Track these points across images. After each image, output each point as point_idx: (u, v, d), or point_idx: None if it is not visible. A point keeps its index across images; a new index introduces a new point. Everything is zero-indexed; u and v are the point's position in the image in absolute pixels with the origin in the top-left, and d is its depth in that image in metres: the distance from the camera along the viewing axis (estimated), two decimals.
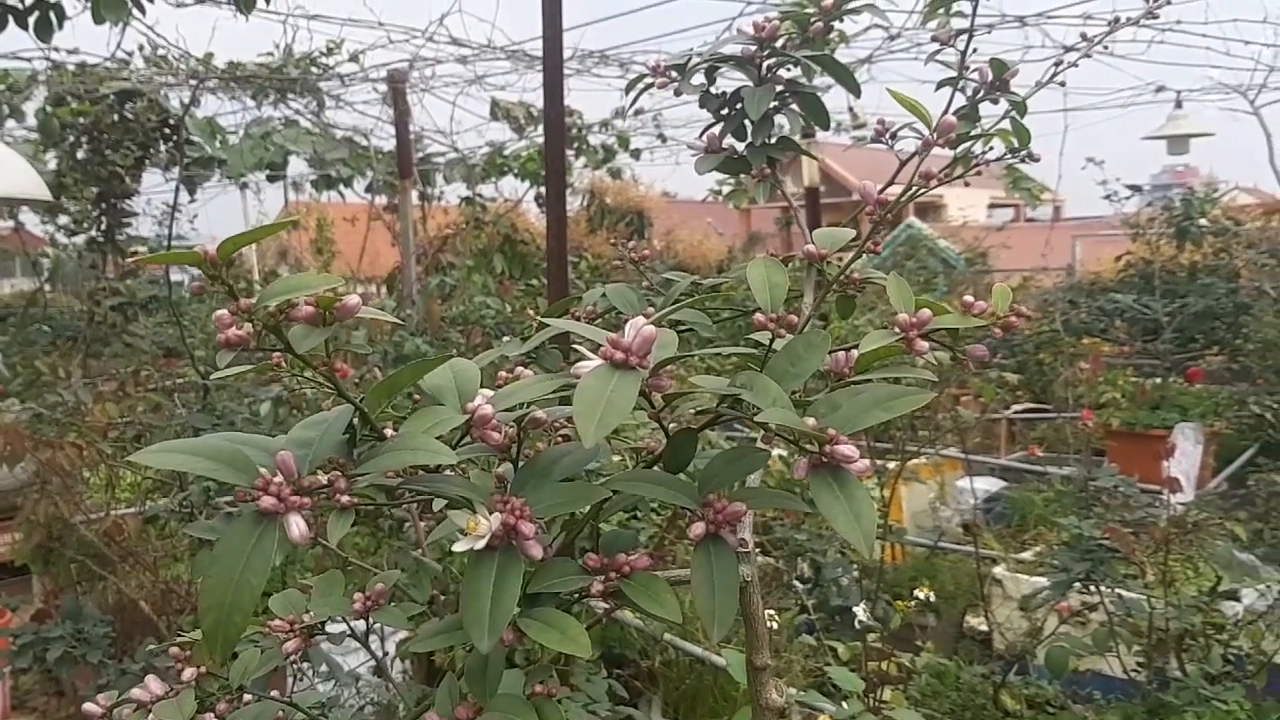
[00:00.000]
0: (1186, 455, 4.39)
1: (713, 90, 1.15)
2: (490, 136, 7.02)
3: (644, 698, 3.19)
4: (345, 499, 0.69)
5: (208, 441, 0.56)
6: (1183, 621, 2.73)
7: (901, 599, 4.06)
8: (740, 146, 1.13)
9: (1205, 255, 6.47)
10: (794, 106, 1.11)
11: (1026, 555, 3.96)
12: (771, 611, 2.25)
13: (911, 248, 11.44)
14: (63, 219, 8.48)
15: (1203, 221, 5.90)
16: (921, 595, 2.17)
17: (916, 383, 0.68)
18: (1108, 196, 5.68)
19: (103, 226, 8.29)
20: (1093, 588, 2.68)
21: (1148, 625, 2.62)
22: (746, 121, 1.11)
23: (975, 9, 0.95)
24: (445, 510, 0.69)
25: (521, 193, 7.43)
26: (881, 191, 0.84)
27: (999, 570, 3.86)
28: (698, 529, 0.64)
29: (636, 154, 7.18)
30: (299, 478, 0.55)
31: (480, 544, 0.59)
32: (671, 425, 0.70)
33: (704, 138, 1.15)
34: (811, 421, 0.62)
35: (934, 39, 0.98)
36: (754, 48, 1.09)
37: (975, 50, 1.10)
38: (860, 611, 1.92)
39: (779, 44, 1.12)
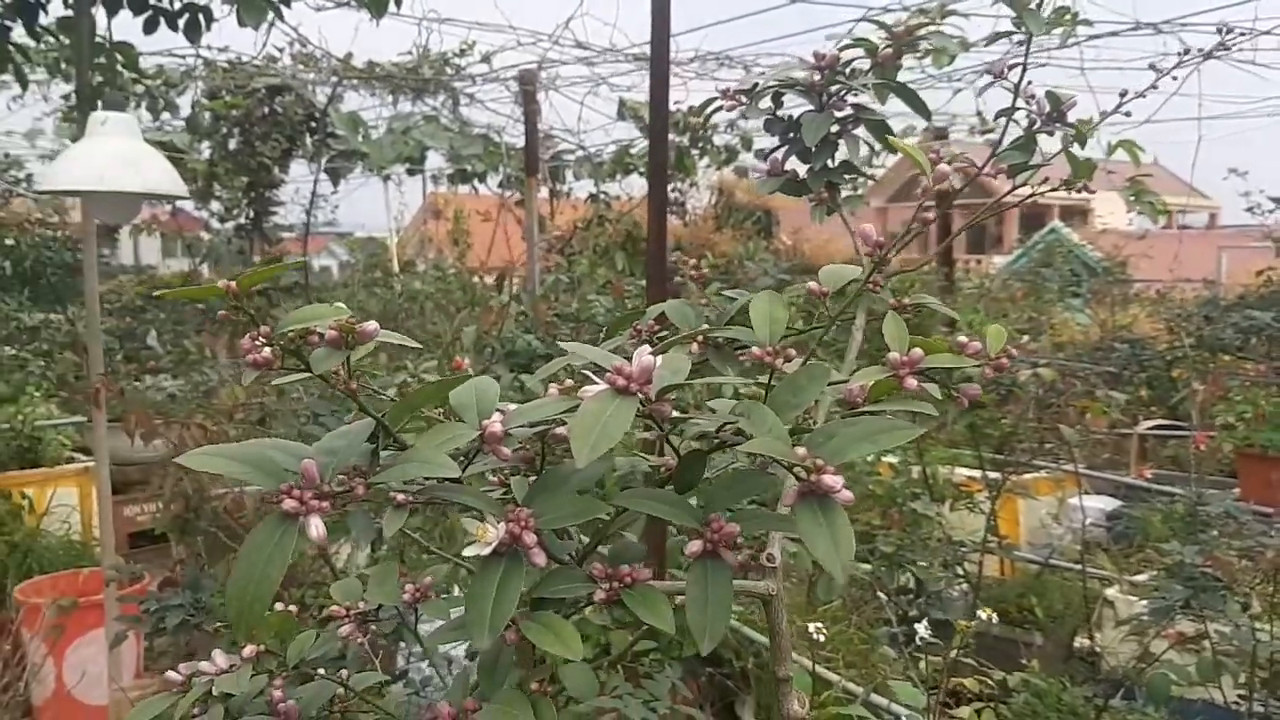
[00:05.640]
0: None
1: (779, 114, 1.18)
2: (616, 135, 7.14)
3: (739, 698, 3.22)
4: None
5: (245, 449, 0.63)
6: None
7: (1009, 614, 4.00)
8: (803, 170, 1.16)
9: None
10: (856, 132, 1.13)
11: (1141, 577, 3.85)
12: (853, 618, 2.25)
13: (1049, 253, 11.11)
14: (215, 205, 8.92)
15: None
16: (984, 615, 2.14)
17: (918, 418, 0.71)
18: (1250, 209, 5.45)
19: (251, 214, 8.72)
20: (1198, 616, 2.61)
21: (1251, 656, 2.53)
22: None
23: (1028, 49, 0.96)
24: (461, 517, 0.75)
25: (645, 191, 7.51)
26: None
27: (1111, 591, 3.76)
28: (694, 547, 0.68)
29: (763, 154, 7.17)
30: (321, 483, 0.61)
31: (487, 550, 0.65)
32: (682, 446, 0.75)
33: (768, 160, 1.19)
34: (802, 451, 0.65)
35: (988, 71, 0.99)
36: (816, 75, 1.12)
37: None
38: (922, 629, 1.91)
39: (848, 70, 1.15)
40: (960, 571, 3.74)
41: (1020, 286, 8.94)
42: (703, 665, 3.11)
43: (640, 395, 0.65)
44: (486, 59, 5.77)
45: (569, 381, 0.96)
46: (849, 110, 1.14)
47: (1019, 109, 1.00)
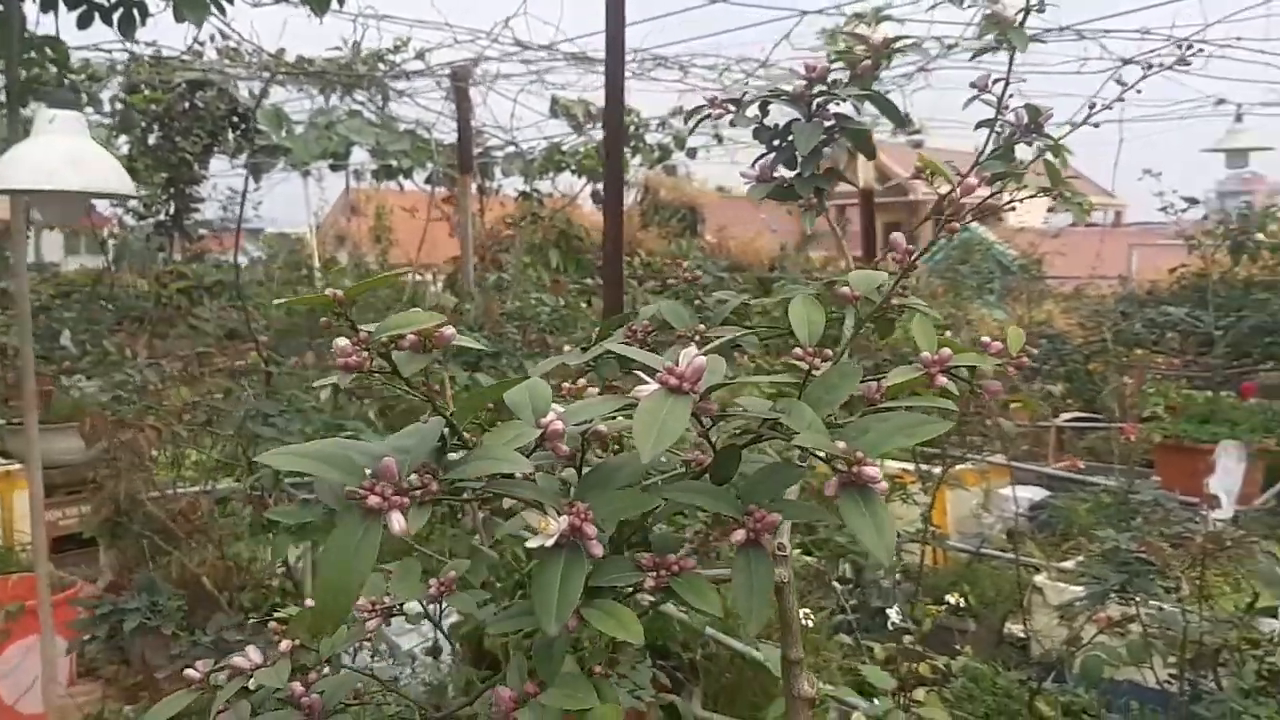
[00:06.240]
0: (1229, 472, 4.39)
1: (766, 123, 1.23)
2: (549, 132, 7.15)
3: (685, 689, 3.28)
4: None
5: (322, 447, 0.66)
6: (1218, 636, 2.77)
7: (940, 603, 4.12)
8: (789, 175, 1.21)
9: (1262, 269, 6.43)
10: (841, 140, 1.19)
11: (1068, 564, 4.00)
12: (806, 610, 2.32)
13: (966, 251, 11.37)
14: (132, 202, 8.72)
15: (1260, 236, 5.87)
16: (953, 600, 2.23)
17: (938, 412, 0.76)
18: (1164, 209, 5.67)
19: (171, 210, 8.54)
20: (1129, 599, 2.73)
21: (1182, 638, 2.66)
22: (797, 153, 1.19)
23: (1011, 61, 1.02)
24: (516, 510, 0.79)
25: (578, 189, 7.55)
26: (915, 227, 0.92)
27: (1040, 578, 3.90)
28: (739, 535, 0.72)
29: (692, 153, 7.27)
30: (399, 480, 0.64)
31: (550, 542, 0.68)
32: (717, 441, 0.79)
33: (756, 166, 1.24)
34: (842, 444, 0.70)
35: (972, 85, 1.05)
36: (804, 86, 1.17)
37: (1016, 82, 1.17)
38: (894, 614, 1.99)
39: (829, 80, 1.20)
40: (900, 562, 3.84)
41: (940, 283, 9.16)
42: (652, 658, 3.16)
43: (693, 394, 0.69)
44: (421, 55, 5.74)
45: (581, 381, 1.00)
46: (833, 119, 1.19)
47: (1001, 119, 1.06)
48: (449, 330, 0.65)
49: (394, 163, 8.40)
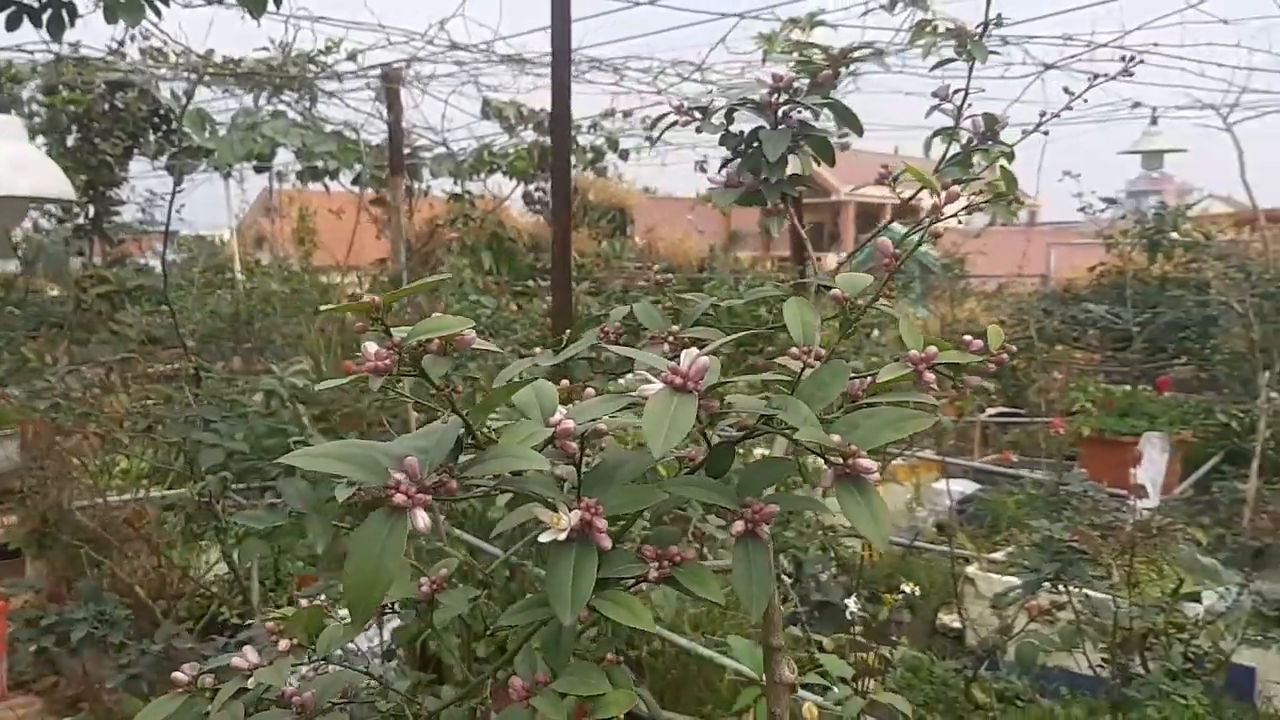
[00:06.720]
0: (1153, 462, 4.55)
1: (731, 130, 1.27)
2: (480, 133, 7.14)
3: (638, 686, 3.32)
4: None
5: (343, 447, 0.68)
6: (1146, 621, 2.88)
7: (877, 595, 4.21)
8: (756, 181, 1.25)
9: (1176, 267, 6.66)
10: (805, 147, 1.23)
11: (998, 555, 4.12)
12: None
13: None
14: (49, 205, 8.49)
15: (1174, 235, 6.09)
16: (908, 589, 2.29)
17: (922, 406, 0.81)
18: (1083, 209, 5.85)
19: (90, 214, 8.33)
20: (1061, 587, 2.83)
21: (1113, 624, 2.76)
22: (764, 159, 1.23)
23: (970, 71, 1.07)
24: (510, 505, 0.81)
25: (509, 190, 7.55)
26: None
27: (972, 569, 4.01)
28: (739, 526, 0.76)
29: (625, 155, 7.31)
30: (422, 479, 0.67)
31: (562, 535, 0.71)
32: (712, 437, 0.82)
33: (724, 173, 1.28)
34: (836, 438, 0.74)
35: (934, 95, 1.10)
36: (771, 94, 1.21)
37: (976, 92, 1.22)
38: (852, 603, 2.04)
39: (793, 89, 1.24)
40: (833, 554, 3.92)
41: None
42: None
43: (697, 391, 0.72)
44: (353, 56, 5.69)
45: (565, 381, 1.02)
46: (796, 127, 1.23)
47: (960, 129, 1.11)
48: (470, 334, 0.68)
49: (320, 164, 8.30)
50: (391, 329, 0.66)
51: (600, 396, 0.80)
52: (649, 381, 0.74)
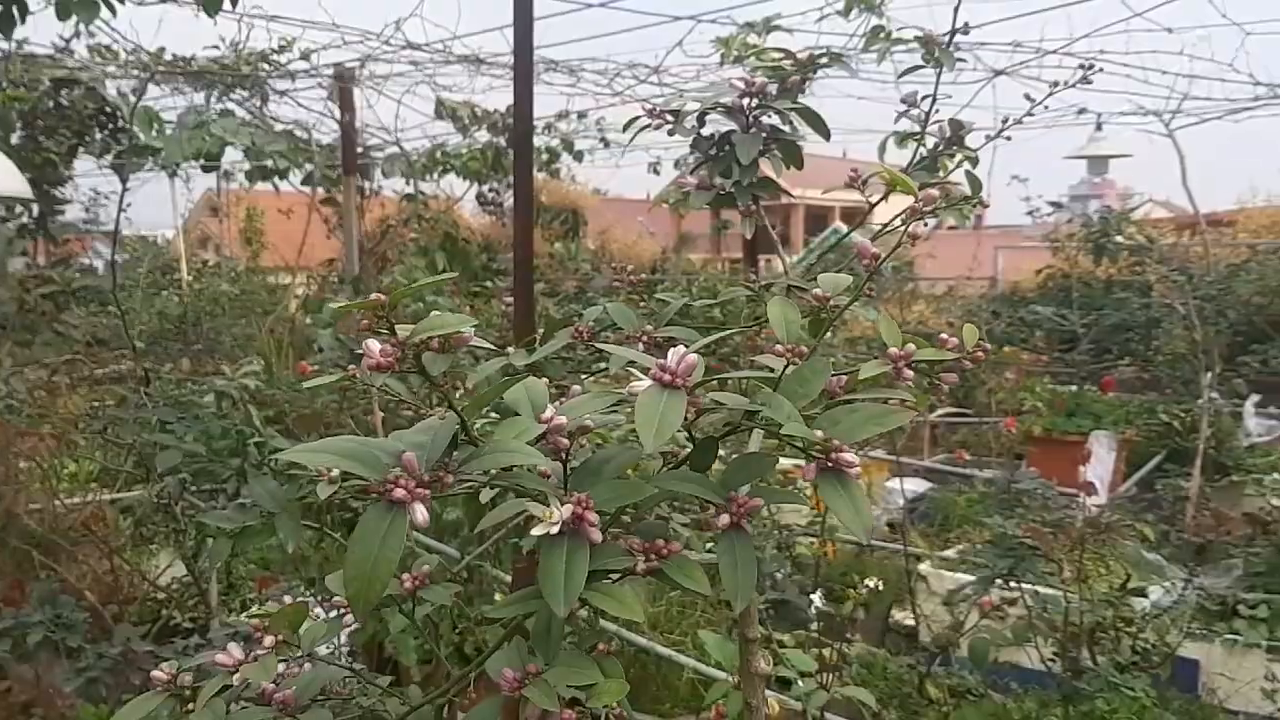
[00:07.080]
0: (1101, 461, 4.65)
1: (703, 133, 1.29)
2: (433, 133, 7.11)
3: None
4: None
5: (341, 444, 0.69)
6: (1095, 616, 2.95)
7: (834, 593, 4.26)
8: (728, 184, 1.27)
9: (1121, 270, 6.81)
10: (775, 151, 1.25)
11: (950, 553, 4.19)
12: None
13: (842, 254, 11.69)
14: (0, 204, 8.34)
15: (1119, 238, 6.22)
16: (870, 584, 2.33)
17: (900, 402, 0.83)
18: (1030, 213, 5.95)
19: (34, 213, 8.19)
20: (1013, 584, 2.89)
21: (1063, 619, 2.82)
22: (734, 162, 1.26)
23: (939, 79, 1.10)
24: (494, 501, 0.83)
25: (462, 191, 7.53)
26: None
27: (924, 567, 4.07)
28: (724, 519, 0.78)
29: (580, 156, 7.32)
30: (420, 474, 0.68)
31: (554, 529, 0.73)
32: (696, 433, 0.85)
33: (695, 175, 1.30)
34: (819, 433, 0.76)
35: (903, 101, 1.13)
36: (742, 98, 1.23)
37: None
38: (817, 599, 2.07)
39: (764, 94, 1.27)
40: (789, 554, 3.96)
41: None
42: None
43: (685, 388, 0.74)
44: (306, 56, 5.65)
45: (544, 379, 1.04)
46: (767, 131, 1.26)
47: (927, 134, 1.14)
48: (469, 332, 0.69)
49: (270, 163, 8.22)
50: (381, 329, 0.67)
51: (588, 394, 0.81)
52: (638, 379, 0.76)
